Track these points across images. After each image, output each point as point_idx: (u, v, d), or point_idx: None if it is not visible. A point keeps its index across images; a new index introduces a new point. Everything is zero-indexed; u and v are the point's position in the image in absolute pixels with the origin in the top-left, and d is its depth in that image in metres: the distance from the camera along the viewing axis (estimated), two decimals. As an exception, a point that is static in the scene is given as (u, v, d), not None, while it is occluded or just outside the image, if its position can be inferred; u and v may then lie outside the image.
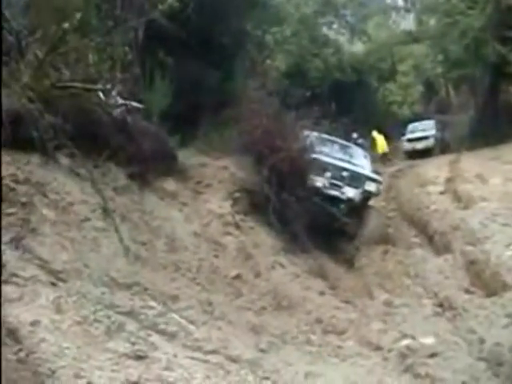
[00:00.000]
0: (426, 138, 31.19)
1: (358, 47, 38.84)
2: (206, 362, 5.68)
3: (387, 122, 35.26)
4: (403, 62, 38.20)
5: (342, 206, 14.07)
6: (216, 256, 9.37)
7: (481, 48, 29.50)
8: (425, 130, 31.88)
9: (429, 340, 7.57)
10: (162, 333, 5.89)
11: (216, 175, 12.19)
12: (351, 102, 31.81)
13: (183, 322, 6.49)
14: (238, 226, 10.86)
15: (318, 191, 13.46)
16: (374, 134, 30.76)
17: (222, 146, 13.52)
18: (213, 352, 6.00)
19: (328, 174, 13.97)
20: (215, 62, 16.71)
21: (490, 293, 9.42)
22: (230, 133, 13.79)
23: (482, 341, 7.34)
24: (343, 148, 16.98)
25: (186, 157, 12.01)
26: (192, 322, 6.62)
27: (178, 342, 5.94)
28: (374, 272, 11.41)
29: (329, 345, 7.60)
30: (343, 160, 15.41)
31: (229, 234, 10.42)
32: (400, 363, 6.99)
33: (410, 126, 32.69)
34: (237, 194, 11.88)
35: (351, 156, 16.48)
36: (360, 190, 14.38)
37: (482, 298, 9.41)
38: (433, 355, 7.01)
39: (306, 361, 6.79)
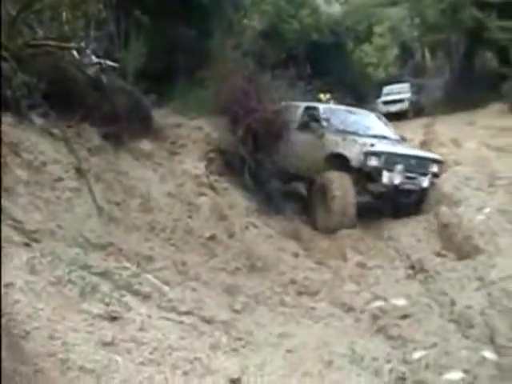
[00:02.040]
0: (400, 100, 31.23)
1: (335, 8, 38.51)
2: (180, 322, 5.70)
3: (363, 84, 35.24)
4: (380, 24, 38.01)
5: (414, 197, 12.82)
6: (190, 217, 9.36)
7: (457, 13, 29.60)
8: (400, 92, 31.92)
9: (401, 302, 7.62)
10: (136, 294, 5.89)
11: (191, 135, 12.13)
12: (327, 63, 31.55)
13: (157, 282, 6.49)
14: (212, 187, 10.85)
15: (395, 189, 12.35)
16: (321, 96, 30.13)
17: (198, 106, 13.44)
18: (187, 313, 6.02)
19: (400, 167, 12.31)
20: (192, 21, 16.53)
21: (462, 256, 9.52)
22: (205, 93, 13.70)
23: (453, 303, 7.40)
24: (368, 120, 15.42)
25: (162, 117, 11.95)
26: (166, 283, 6.63)
27: (152, 302, 5.94)
28: (348, 234, 11.45)
29: (302, 306, 7.64)
30: (396, 142, 14.06)
31: (203, 194, 10.39)
32: (372, 324, 7.05)
33: (386, 89, 32.69)
34: (211, 155, 11.86)
35: (385, 131, 14.84)
36: (429, 176, 12.76)
37: (453, 261, 9.51)
38: (405, 317, 7.06)
39: (280, 322, 6.83)
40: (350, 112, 15.62)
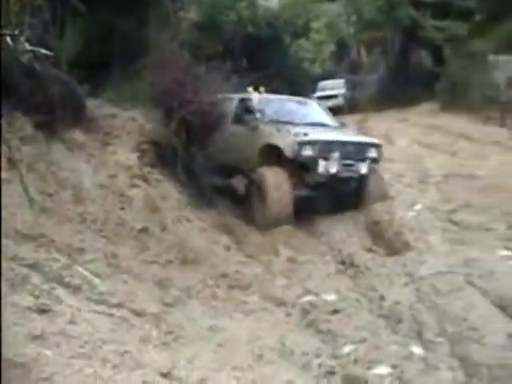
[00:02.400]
0: (335, 96, 31.60)
1: (273, 2, 38.55)
2: (110, 315, 5.69)
3: (298, 79, 35.46)
4: (317, 20, 38.29)
5: (353, 184, 12.54)
6: (122, 208, 9.29)
7: (394, 10, 30.16)
8: (334, 88, 32.30)
9: (331, 297, 7.75)
10: (66, 286, 5.86)
11: (125, 126, 12.01)
12: (264, 57, 31.63)
13: (88, 275, 6.47)
14: (145, 179, 10.77)
15: (333, 178, 12.03)
16: (250, 89, 29.93)
17: (133, 96, 13.32)
18: (118, 306, 6.02)
19: (336, 155, 11.97)
20: (129, 11, 16.34)
21: (392, 252, 9.73)
22: (141, 84, 13.60)
23: (382, 298, 7.57)
24: (306, 108, 15.18)
25: (96, 107, 11.79)
26: (97, 275, 6.60)
27: (82, 295, 5.93)
28: (280, 229, 11.56)
29: (233, 299, 7.72)
30: (333, 129, 13.91)
31: (136, 186, 10.29)
32: (303, 319, 7.17)
33: (321, 84, 33.05)
34: (145, 146, 11.75)
35: (324, 118, 14.68)
36: (368, 162, 12.40)
37: (383, 256, 9.71)
38: (335, 311, 7.18)
39: (211, 315, 6.88)
40: (287, 101, 15.42)
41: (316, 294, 7.82)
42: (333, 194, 12.31)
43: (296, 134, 11.99)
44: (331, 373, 5.62)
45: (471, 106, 26.11)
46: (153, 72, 13.18)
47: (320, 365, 5.74)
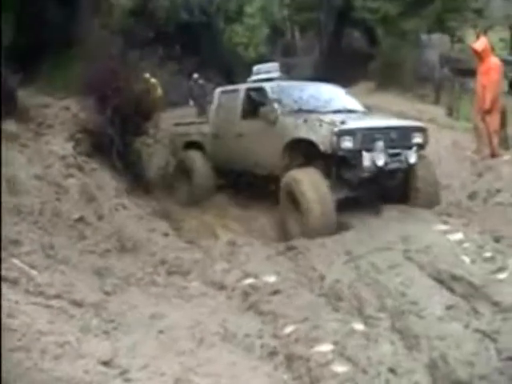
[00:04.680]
0: (270, 79, 31.59)
1: (206, -13, 38.37)
2: (49, 307, 5.65)
3: (233, 64, 35.37)
4: (250, 4, 38.17)
5: (401, 176, 10.72)
6: (58, 199, 9.20)
7: (326, -7, 30.30)
8: (269, 71, 32.22)
9: (271, 278, 7.80)
10: (3, 279, 5.79)
11: (58, 116, 11.90)
12: (198, 43, 31.50)
13: (25, 267, 6.42)
14: (80, 168, 10.68)
15: (380, 171, 10.08)
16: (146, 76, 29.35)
17: (66, 85, 13.18)
18: (56, 297, 5.98)
19: (381, 144, 9.96)
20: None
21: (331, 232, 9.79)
22: (73, 72, 13.44)
23: (322, 278, 7.66)
24: (328, 93, 12.95)
25: (28, 97, 11.65)
26: (34, 267, 6.54)
27: (19, 288, 5.87)
28: (217, 213, 11.61)
29: (174, 286, 7.71)
30: (362, 114, 11.93)
31: (71, 176, 10.21)
32: (244, 301, 7.20)
33: (255, 68, 32.96)
34: (79, 136, 11.66)
35: (350, 103, 12.56)
36: (415, 149, 10.44)
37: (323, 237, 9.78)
38: (275, 293, 7.23)
39: (151, 302, 6.87)
40: (305, 86, 13.80)
41: (256, 277, 7.85)
42: (378, 190, 10.61)
43: (331, 123, 9.89)
44: (274, 353, 5.69)
45: (405, 85, 26.55)
46: (85, 60, 13.03)
47: (262, 346, 5.81)
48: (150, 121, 12.74)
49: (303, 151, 10.55)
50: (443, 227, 9.09)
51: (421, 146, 10.67)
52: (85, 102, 12.14)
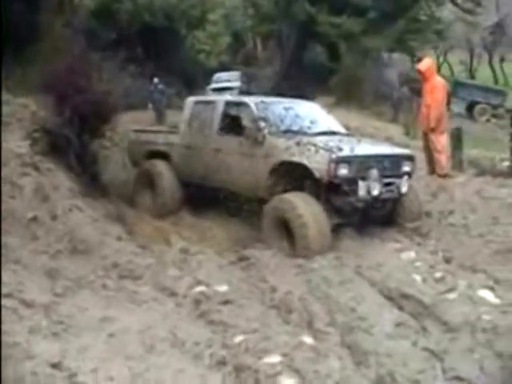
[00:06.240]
0: (230, 88, 31.59)
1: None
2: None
3: (194, 71, 35.38)
4: (213, 12, 38.28)
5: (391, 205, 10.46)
6: (12, 197, 9.09)
7: (290, 5, 30.52)
8: (230, 80, 32.29)
9: (223, 288, 7.83)
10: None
11: (16, 114, 11.78)
12: (159, 47, 31.47)
13: (-24, 265, 6.36)
14: (36, 167, 10.54)
15: (373, 201, 9.84)
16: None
17: (25, 83, 13.04)
18: (6, 296, 5.93)
19: (375, 172, 9.64)
20: (19, -4, 16.00)
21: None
22: (33, 70, 13.31)
23: (273, 289, 7.72)
24: (312, 113, 12.31)
25: (-16, 93, 11.51)
26: (-15, 266, 6.50)
27: (-30, 286, 5.83)
28: (172, 221, 11.60)
29: (125, 290, 7.66)
30: (353, 139, 11.28)
31: (26, 174, 10.07)
32: (194, 309, 7.20)
33: (215, 76, 32.99)
34: (36, 134, 11.53)
35: (333, 124, 12.09)
36: (405, 178, 10.24)
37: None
38: (226, 302, 7.26)
39: (102, 305, 6.83)
40: (289, 104, 12.33)
41: (207, 285, 7.86)
42: (367, 218, 10.22)
43: (328, 149, 9.52)
44: (222, 362, 5.71)
45: (364, 102, 26.87)
46: (45, 58, 12.91)
47: (211, 355, 5.82)
48: (108, 123, 12.63)
49: (292, 175, 10.17)
50: (396, 245, 9.23)
51: (409, 175, 10.44)
52: (44, 101, 12.01)
